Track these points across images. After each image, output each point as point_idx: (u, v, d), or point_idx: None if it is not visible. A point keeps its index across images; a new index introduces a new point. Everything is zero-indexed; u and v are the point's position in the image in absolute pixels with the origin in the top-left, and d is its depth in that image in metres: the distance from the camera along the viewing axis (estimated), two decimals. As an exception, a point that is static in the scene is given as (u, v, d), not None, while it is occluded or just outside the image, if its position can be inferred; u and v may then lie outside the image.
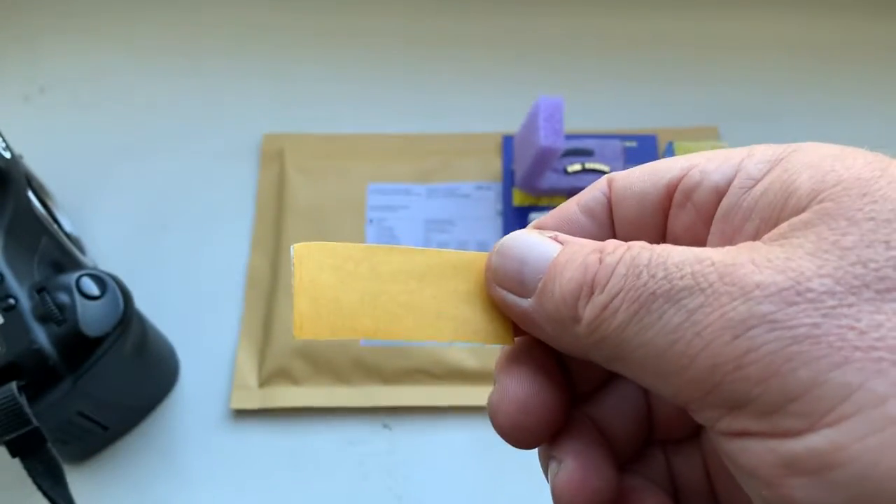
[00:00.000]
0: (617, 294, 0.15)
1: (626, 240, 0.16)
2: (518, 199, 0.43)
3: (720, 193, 0.16)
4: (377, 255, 0.19)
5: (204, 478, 0.38)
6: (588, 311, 0.15)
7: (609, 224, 0.18)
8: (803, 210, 0.14)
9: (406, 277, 0.19)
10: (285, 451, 0.38)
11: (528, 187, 0.42)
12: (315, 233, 0.42)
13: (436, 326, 0.19)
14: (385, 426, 0.39)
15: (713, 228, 0.16)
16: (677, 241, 0.16)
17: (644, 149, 0.44)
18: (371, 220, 0.43)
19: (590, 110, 0.46)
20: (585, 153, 0.42)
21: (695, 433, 0.19)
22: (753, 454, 0.14)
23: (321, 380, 0.39)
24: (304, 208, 0.43)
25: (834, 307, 0.13)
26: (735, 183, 0.16)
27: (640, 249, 0.15)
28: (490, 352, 0.39)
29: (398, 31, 0.50)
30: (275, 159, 0.45)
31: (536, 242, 0.17)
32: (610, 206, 0.18)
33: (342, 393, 0.39)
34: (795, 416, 0.13)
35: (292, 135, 0.46)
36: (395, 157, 0.45)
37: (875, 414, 0.12)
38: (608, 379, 0.20)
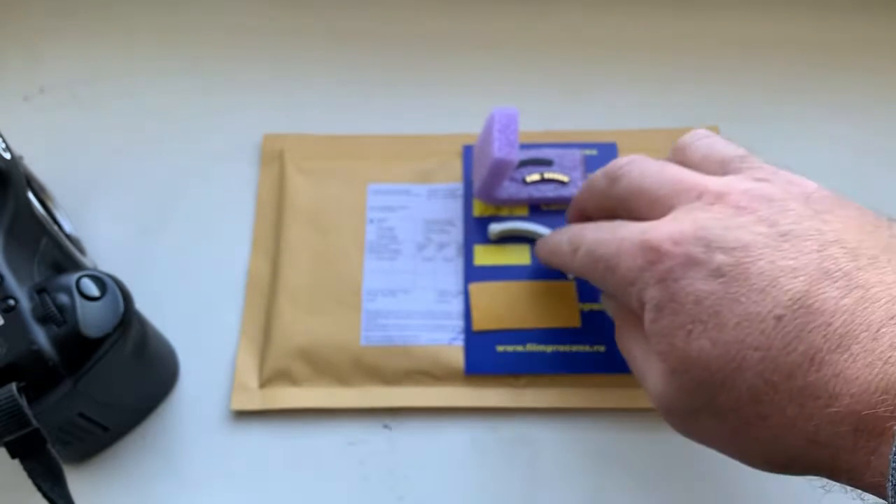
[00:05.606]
0: None
1: None
2: (478, 209, 0.42)
3: None
4: (511, 286, 0.39)
5: (204, 479, 0.38)
6: None
7: None
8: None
9: (527, 295, 0.39)
10: (286, 452, 0.38)
11: (486, 197, 0.41)
12: (315, 233, 0.42)
13: (542, 320, 0.38)
14: (385, 427, 0.39)
15: None
16: None
17: (604, 157, 0.43)
18: (371, 221, 0.43)
19: (589, 110, 0.46)
20: (544, 163, 0.42)
21: None
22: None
23: (321, 381, 0.39)
24: (305, 208, 0.43)
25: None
26: None
27: None
28: (490, 352, 0.39)
29: (398, 31, 0.50)
30: (275, 160, 0.45)
31: None
32: None
33: (342, 394, 0.39)
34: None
35: (292, 135, 0.46)
36: (395, 157, 0.45)
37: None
38: None
